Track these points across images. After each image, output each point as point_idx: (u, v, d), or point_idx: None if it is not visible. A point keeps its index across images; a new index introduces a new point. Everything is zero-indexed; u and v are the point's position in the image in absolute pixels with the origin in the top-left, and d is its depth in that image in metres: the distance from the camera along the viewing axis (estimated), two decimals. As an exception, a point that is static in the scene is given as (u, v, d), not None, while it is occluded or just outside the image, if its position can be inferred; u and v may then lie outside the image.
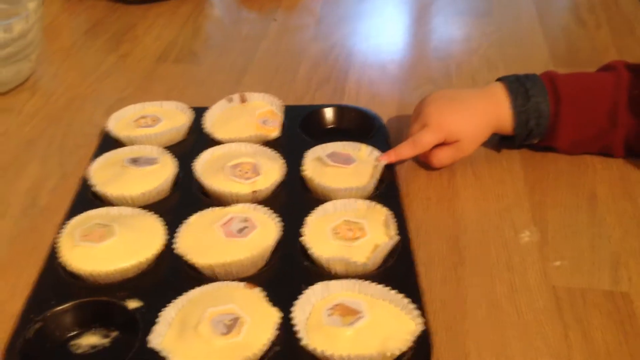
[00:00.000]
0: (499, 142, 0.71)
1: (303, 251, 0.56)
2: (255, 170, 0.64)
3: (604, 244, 0.59)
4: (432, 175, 0.69)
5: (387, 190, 0.64)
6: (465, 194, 0.66)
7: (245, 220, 0.58)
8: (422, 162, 0.70)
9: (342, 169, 0.64)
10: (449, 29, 1.03)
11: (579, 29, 0.98)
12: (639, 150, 0.67)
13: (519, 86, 0.67)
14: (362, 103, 0.81)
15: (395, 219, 0.58)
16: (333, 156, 0.66)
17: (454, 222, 0.62)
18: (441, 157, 0.68)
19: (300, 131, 0.73)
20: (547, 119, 0.66)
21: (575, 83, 0.68)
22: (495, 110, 0.67)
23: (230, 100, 0.75)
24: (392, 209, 0.60)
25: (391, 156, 0.67)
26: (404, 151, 0.67)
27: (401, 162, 0.69)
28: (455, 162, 0.69)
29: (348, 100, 0.83)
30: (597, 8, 1.04)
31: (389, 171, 0.66)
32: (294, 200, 0.63)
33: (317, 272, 0.55)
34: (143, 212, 0.60)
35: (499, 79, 0.69)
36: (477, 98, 0.69)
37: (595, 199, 0.64)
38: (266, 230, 0.57)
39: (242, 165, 0.64)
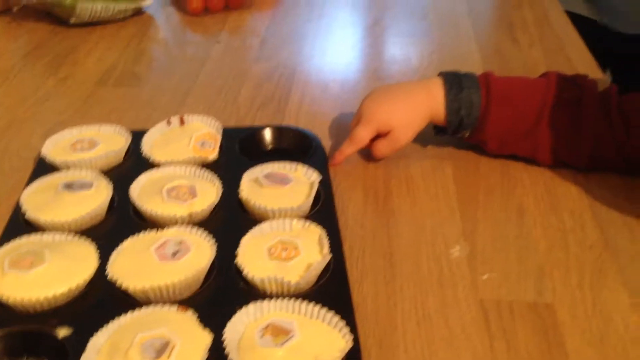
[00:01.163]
0: (433, 132, 0.75)
1: (238, 272, 0.57)
2: (192, 193, 0.64)
3: (530, 256, 0.61)
4: (369, 193, 0.70)
5: (323, 209, 0.65)
6: (400, 210, 0.68)
7: (180, 243, 0.58)
8: (358, 178, 0.71)
9: (278, 189, 0.65)
10: (390, 50, 1.06)
11: (512, 47, 1.02)
12: (564, 156, 0.70)
13: (455, 79, 0.71)
14: (303, 123, 0.82)
15: (329, 237, 0.59)
16: (269, 177, 0.66)
17: (388, 238, 0.64)
18: (380, 148, 0.72)
19: (239, 152, 0.74)
20: (477, 110, 0.70)
21: (508, 81, 0.72)
22: (430, 100, 0.71)
23: (169, 122, 0.76)
24: (328, 227, 0.61)
25: (336, 158, 0.72)
26: (345, 149, 0.72)
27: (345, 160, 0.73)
28: (395, 152, 0.73)
29: (289, 121, 0.84)
30: (530, 27, 1.08)
31: (326, 190, 0.68)
32: (230, 221, 0.64)
33: (251, 293, 0.55)
34: (76, 237, 0.59)
35: (439, 73, 0.73)
36: (413, 89, 0.73)
37: (523, 213, 0.66)
38: (200, 252, 0.57)
39: (178, 187, 0.64)
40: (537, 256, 0.61)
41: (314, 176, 0.67)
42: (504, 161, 0.73)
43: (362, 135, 0.71)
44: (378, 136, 0.72)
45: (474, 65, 0.97)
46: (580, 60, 0.97)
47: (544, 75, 0.73)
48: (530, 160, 0.72)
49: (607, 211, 0.66)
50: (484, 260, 0.60)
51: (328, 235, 0.60)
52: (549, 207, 0.67)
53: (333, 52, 1.05)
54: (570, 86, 0.70)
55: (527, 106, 0.70)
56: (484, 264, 0.60)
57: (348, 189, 0.71)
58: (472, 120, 0.70)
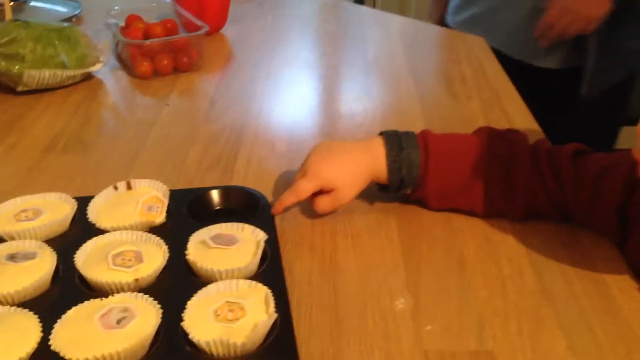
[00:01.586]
0: (377, 190, 0.77)
1: (185, 336, 0.57)
2: (138, 258, 0.64)
3: (470, 305, 0.63)
4: (316, 249, 0.72)
5: (269, 268, 0.66)
6: (346, 265, 0.69)
7: (125, 310, 0.58)
8: (305, 235, 0.73)
9: (225, 250, 0.66)
10: (334, 107, 1.10)
11: (451, 101, 1.07)
12: (500, 209, 0.73)
13: (395, 139, 0.74)
14: (251, 182, 0.83)
15: (276, 296, 0.60)
16: (216, 238, 0.67)
17: (334, 293, 0.65)
18: (321, 205, 0.74)
19: (186, 215, 0.74)
20: (417, 169, 0.73)
21: (445, 140, 0.76)
22: (372, 160, 0.74)
23: (116, 188, 0.76)
24: (275, 286, 0.62)
25: (276, 208, 0.73)
26: (286, 200, 0.74)
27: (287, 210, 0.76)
28: (336, 210, 0.75)
29: (237, 180, 0.85)
30: (468, 81, 1.14)
31: (272, 248, 0.69)
32: (178, 285, 0.64)
33: (199, 357, 0.55)
34: (18, 310, 0.58)
35: (380, 133, 0.76)
36: (356, 149, 0.76)
37: (463, 262, 0.69)
38: (146, 318, 0.57)
39: (124, 253, 0.65)
40: (477, 305, 0.63)
41: (261, 235, 0.69)
42: (447, 212, 0.76)
43: (306, 187, 0.73)
44: (321, 191, 0.74)
45: (415, 119, 1.01)
46: (515, 111, 1.02)
47: (477, 131, 0.77)
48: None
49: (543, 257, 0.69)
50: (426, 312, 0.62)
51: (274, 293, 0.61)
52: (488, 255, 0.70)
53: (280, 111, 1.08)
54: (501, 142, 0.73)
55: (462, 163, 0.73)
56: (427, 316, 0.62)
57: (295, 246, 0.72)
58: (413, 179, 0.73)
